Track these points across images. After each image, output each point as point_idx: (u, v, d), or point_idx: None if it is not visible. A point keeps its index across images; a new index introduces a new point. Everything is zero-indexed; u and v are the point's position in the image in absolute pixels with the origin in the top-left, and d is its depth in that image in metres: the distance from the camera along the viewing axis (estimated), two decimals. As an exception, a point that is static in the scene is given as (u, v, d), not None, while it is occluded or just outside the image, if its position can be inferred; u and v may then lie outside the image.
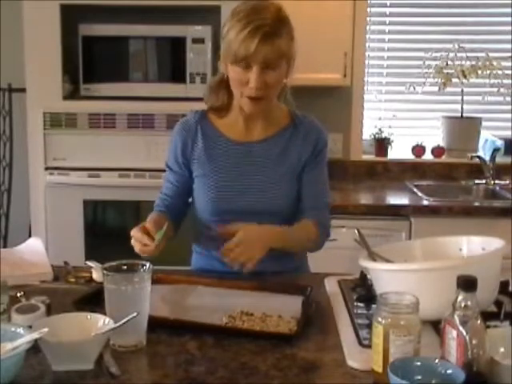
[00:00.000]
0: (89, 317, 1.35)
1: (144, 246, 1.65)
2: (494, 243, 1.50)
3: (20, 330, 1.25)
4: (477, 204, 3.15)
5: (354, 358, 1.30)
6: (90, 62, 3.09)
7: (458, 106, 3.57)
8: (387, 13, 3.63)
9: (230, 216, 1.84)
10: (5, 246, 3.32)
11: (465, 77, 3.47)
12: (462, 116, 3.57)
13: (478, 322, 1.17)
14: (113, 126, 3.03)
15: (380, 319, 1.20)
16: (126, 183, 3.02)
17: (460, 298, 1.18)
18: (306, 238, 1.84)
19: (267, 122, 1.88)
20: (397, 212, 2.98)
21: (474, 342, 1.15)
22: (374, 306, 1.47)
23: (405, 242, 2.53)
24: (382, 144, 3.59)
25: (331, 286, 1.75)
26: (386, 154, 3.60)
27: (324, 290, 1.72)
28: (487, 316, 1.27)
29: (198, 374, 1.26)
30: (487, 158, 3.41)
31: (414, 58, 3.60)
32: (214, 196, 1.85)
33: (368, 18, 3.53)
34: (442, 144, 3.60)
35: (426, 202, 3.04)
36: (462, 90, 3.54)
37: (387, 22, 3.64)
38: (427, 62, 3.52)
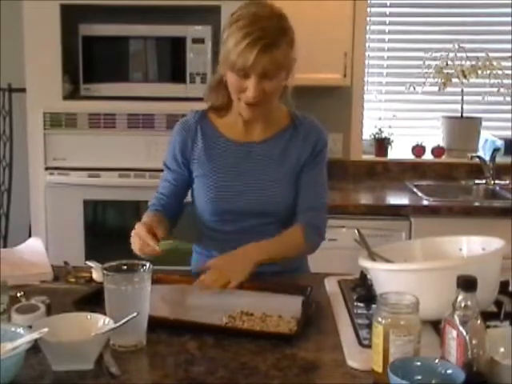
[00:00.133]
0: (89, 317, 1.35)
1: (145, 246, 1.64)
2: (494, 243, 1.50)
3: (20, 330, 1.25)
4: (477, 204, 3.15)
5: (354, 358, 1.30)
6: (90, 62, 3.09)
7: (458, 106, 3.57)
8: (387, 13, 3.63)
9: (229, 216, 1.84)
10: (5, 246, 3.32)
11: (465, 77, 3.47)
12: (461, 116, 3.57)
13: (478, 321, 1.17)
14: (113, 126, 3.03)
15: (380, 319, 1.20)
16: (126, 183, 3.02)
17: (460, 298, 1.18)
18: (293, 245, 1.82)
19: (267, 123, 1.88)
20: (397, 212, 2.98)
21: (474, 342, 1.15)
22: (373, 306, 1.48)
23: (405, 242, 2.53)
24: (382, 144, 3.59)
25: (331, 286, 1.75)
26: (386, 154, 3.60)
27: (324, 290, 1.72)
28: (487, 316, 1.27)
29: (198, 374, 1.26)
30: (487, 158, 3.41)
31: (413, 58, 3.60)
32: (213, 196, 1.84)
33: (368, 18, 3.53)
34: (442, 144, 3.60)
35: (425, 202, 3.04)
36: (462, 90, 3.54)
37: (387, 22, 3.64)
38: (427, 62, 3.52)
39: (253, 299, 1.59)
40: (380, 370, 1.19)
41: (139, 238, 1.65)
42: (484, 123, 3.61)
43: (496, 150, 3.39)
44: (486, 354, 1.16)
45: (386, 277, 1.47)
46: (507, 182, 3.36)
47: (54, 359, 1.25)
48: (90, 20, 3.06)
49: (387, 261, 1.58)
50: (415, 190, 3.23)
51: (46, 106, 3.01)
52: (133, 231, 1.68)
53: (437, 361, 1.18)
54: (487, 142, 3.59)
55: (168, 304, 1.55)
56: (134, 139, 3.04)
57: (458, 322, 1.16)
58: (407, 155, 3.62)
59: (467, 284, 1.18)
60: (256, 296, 1.62)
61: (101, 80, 3.10)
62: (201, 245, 1.94)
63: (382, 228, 2.87)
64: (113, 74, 3.13)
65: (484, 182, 3.39)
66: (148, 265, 1.40)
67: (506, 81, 3.48)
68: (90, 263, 1.77)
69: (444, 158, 3.59)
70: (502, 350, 1.24)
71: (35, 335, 1.21)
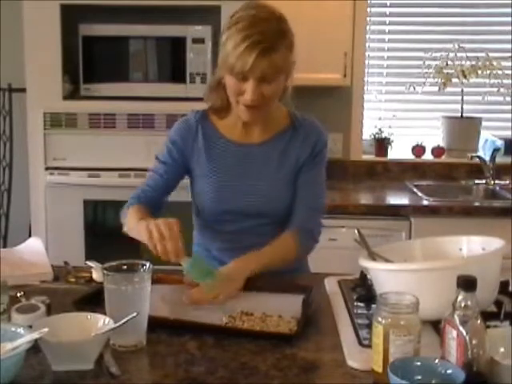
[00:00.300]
0: (89, 317, 1.35)
1: (176, 254, 1.52)
2: (494, 243, 1.49)
3: (20, 330, 1.25)
4: (477, 204, 3.15)
5: (354, 358, 1.30)
6: (90, 61, 3.09)
7: (458, 106, 3.57)
8: (387, 13, 3.63)
9: (229, 216, 1.84)
10: (5, 246, 3.32)
11: (465, 77, 3.47)
12: (461, 116, 3.57)
13: (478, 321, 1.17)
14: (113, 125, 3.03)
15: (380, 319, 1.20)
16: (126, 183, 3.01)
17: (460, 297, 1.18)
18: (285, 253, 1.79)
19: (266, 124, 1.87)
20: (397, 212, 2.98)
21: (474, 342, 1.15)
22: (373, 305, 1.48)
23: (405, 242, 2.53)
24: (381, 144, 3.59)
25: (331, 285, 1.75)
26: (385, 154, 3.60)
27: (324, 290, 1.72)
28: (487, 316, 1.28)
29: (198, 374, 1.26)
30: (487, 158, 3.41)
31: (413, 58, 3.60)
32: (212, 196, 1.84)
33: (368, 18, 3.53)
34: (441, 144, 3.60)
35: (425, 202, 3.04)
36: (462, 90, 3.54)
37: (387, 22, 3.64)
38: (427, 62, 3.52)
39: (253, 299, 1.59)
40: (380, 369, 1.19)
41: (162, 236, 1.51)
42: (484, 123, 3.61)
43: (496, 150, 3.39)
44: (485, 354, 1.16)
45: (385, 277, 1.47)
46: (507, 181, 3.36)
47: (54, 359, 1.25)
48: (89, 20, 3.06)
49: (387, 261, 1.58)
50: (415, 189, 3.23)
51: (46, 106, 3.01)
52: (154, 226, 1.53)
53: (437, 361, 1.18)
54: (487, 141, 3.59)
55: (168, 304, 1.55)
56: (134, 139, 3.04)
57: (457, 321, 1.16)
58: (407, 155, 3.62)
59: (467, 284, 1.18)
60: (256, 296, 1.62)
61: (101, 80, 3.10)
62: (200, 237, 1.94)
63: (382, 228, 2.87)
64: (113, 74, 3.13)
65: (484, 182, 3.39)
66: (148, 265, 1.40)
67: (506, 81, 3.48)
68: (90, 263, 1.77)
69: (444, 158, 3.59)
70: (502, 350, 1.23)
71: (35, 335, 1.20)
